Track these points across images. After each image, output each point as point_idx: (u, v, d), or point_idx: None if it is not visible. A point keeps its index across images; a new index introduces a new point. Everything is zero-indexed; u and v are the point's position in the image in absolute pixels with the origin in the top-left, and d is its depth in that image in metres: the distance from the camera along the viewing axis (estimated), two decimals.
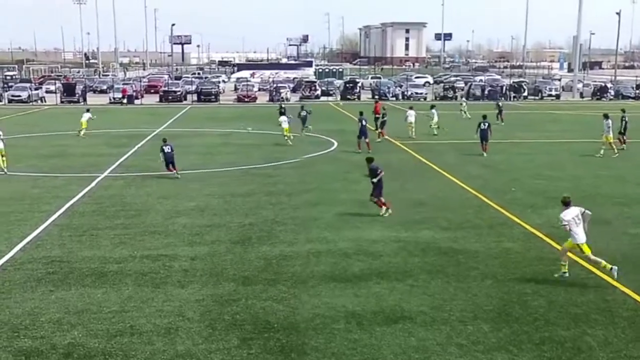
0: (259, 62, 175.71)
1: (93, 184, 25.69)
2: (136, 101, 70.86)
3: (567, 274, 14.82)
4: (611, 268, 14.52)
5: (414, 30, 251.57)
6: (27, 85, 76.83)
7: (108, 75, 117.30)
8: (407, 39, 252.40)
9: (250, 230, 19.03)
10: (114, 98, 70.72)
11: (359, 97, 74.45)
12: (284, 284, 14.61)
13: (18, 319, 12.78)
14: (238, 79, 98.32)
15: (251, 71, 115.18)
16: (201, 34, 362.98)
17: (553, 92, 78.77)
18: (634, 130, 37.05)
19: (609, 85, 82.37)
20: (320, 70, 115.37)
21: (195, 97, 72.97)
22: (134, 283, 14.72)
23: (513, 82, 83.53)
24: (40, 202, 22.71)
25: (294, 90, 79.64)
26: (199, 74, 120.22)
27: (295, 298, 13.82)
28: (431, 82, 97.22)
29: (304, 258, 16.44)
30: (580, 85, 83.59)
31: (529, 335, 12.07)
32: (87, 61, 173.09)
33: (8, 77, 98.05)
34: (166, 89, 75.69)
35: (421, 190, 24.52)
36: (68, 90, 72.20)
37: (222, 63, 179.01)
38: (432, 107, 42.98)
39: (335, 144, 36.98)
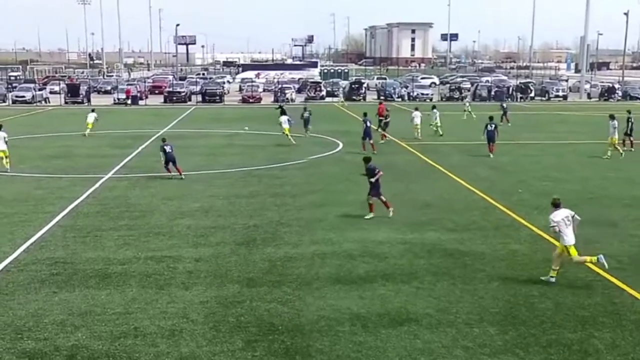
0: (263, 63, 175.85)
1: (97, 185, 25.66)
2: (140, 102, 70.85)
3: (553, 279, 14.67)
4: (598, 258, 14.45)
5: (420, 31, 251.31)
6: (31, 85, 77.00)
7: (112, 75, 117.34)
8: (413, 40, 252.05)
9: (254, 231, 18.96)
10: (118, 99, 70.79)
11: (364, 98, 74.40)
12: (289, 286, 14.53)
13: (21, 320, 12.74)
14: (243, 79, 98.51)
15: (256, 72, 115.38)
16: (206, 35, 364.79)
17: (560, 93, 78.55)
18: None
19: (616, 86, 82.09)
20: (326, 70, 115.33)
21: (199, 98, 73.00)
22: (138, 284, 14.66)
23: (520, 82, 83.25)
24: (44, 203, 22.68)
25: (299, 91, 79.65)
26: (203, 74, 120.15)
27: (300, 300, 13.74)
28: (437, 82, 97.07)
29: (309, 260, 16.36)
30: (587, 86, 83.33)
31: (535, 338, 11.98)
32: (91, 62, 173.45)
33: (12, 78, 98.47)
34: (170, 89, 75.78)
35: (427, 192, 24.42)
36: (72, 91, 72.23)
37: (227, 64, 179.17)
38: (433, 107, 42.93)
39: (341, 145, 36.90)
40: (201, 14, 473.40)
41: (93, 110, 43.11)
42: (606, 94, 77.87)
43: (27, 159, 31.88)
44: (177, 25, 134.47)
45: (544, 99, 77.11)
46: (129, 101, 68.88)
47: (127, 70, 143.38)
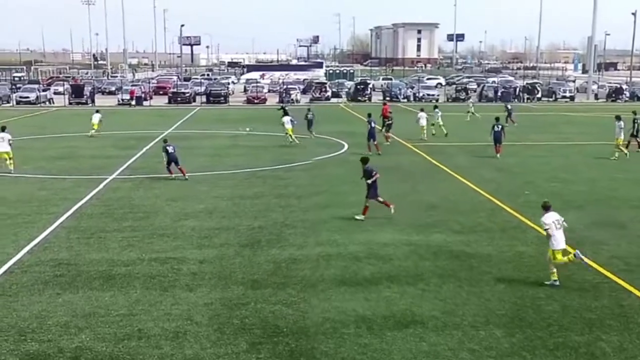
0: (268, 63, 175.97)
1: (101, 186, 25.61)
2: (145, 103, 70.81)
3: (557, 282, 14.56)
4: (574, 254, 14.38)
5: (425, 31, 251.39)
6: (35, 86, 77.04)
7: (117, 76, 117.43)
8: (418, 40, 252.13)
9: (259, 233, 18.88)
10: (122, 99, 70.77)
11: (369, 99, 74.25)
12: (294, 288, 14.46)
13: (25, 322, 12.69)
14: (248, 80, 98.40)
15: (261, 72, 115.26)
16: (210, 35, 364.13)
17: (567, 94, 78.22)
18: None
19: (624, 86, 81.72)
20: (331, 71, 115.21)
21: (204, 99, 73.01)
22: (142, 286, 14.60)
23: (526, 83, 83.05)
24: (48, 204, 22.65)
25: (304, 92, 79.52)
26: (208, 75, 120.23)
27: (305, 302, 13.66)
28: (443, 83, 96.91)
29: (314, 261, 16.28)
30: (595, 87, 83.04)
31: (542, 340, 11.89)
32: (95, 62, 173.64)
33: (16, 79, 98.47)
34: (175, 90, 75.73)
35: (433, 193, 24.31)
36: (76, 91, 72.28)
37: (232, 64, 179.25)
38: (435, 107, 42.81)
39: (346, 146, 36.81)
40: (206, 15, 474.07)
41: (98, 111, 43.06)
42: (614, 95, 77.59)
43: (31, 159, 31.89)
44: (182, 25, 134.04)
45: (551, 99, 76.87)
46: (133, 102, 68.84)
47: (132, 70, 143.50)
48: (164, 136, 37.45)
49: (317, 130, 40.21)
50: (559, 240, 14.48)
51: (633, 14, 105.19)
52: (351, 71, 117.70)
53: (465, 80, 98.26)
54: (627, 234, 18.74)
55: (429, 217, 20.67)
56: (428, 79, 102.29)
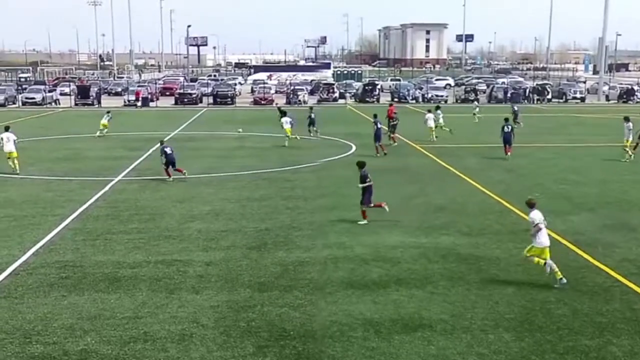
0: (276, 64, 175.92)
1: (107, 187, 25.56)
2: (151, 104, 70.84)
3: (564, 280, 14.44)
4: (546, 262, 14.44)
5: (434, 32, 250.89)
6: (42, 87, 77.02)
7: (123, 77, 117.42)
8: (427, 41, 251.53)
9: (266, 235, 18.79)
10: (128, 100, 70.78)
11: (378, 100, 74.04)
12: (301, 291, 14.36)
13: (30, 324, 12.65)
14: (255, 81, 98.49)
15: (268, 73, 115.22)
16: (217, 36, 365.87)
17: (578, 95, 77.69)
18: None
19: (635, 87, 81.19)
20: (339, 72, 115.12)
21: (211, 100, 72.97)
22: (148, 288, 14.53)
23: (536, 84, 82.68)
24: (54, 205, 22.61)
25: (311, 93, 79.40)
26: (214, 76, 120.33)
27: (312, 305, 13.57)
28: (452, 84, 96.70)
29: (321, 264, 16.18)
30: (606, 88, 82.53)
31: (552, 344, 11.77)
32: (102, 63, 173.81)
33: (22, 79, 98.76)
34: (182, 91, 75.77)
35: (441, 195, 24.15)
36: (82, 92, 72.21)
37: (239, 65, 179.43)
38: (437, 107, 42.63)
39: (353, 147, 36.69)
40: (213, 15, 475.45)
41: (108, 112, 43.26)
42: (625, 96, 77.04)
43: (37, 161, 31.90)
44: (189, 26, 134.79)
45: (561, 101, 76.42)
46: (139, 103, 68.83)
47: (138, 71, 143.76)
48: (171, 137, 37.43)
49: (323, 132, 40.08)
50: (544, 238, 14.56)
51: None
52: (359, 72, 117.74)
53: (474, 81, 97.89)
54: (638, 236, 18.54)
55: (437, 220, 20.53)
56: (437, 79, 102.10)
